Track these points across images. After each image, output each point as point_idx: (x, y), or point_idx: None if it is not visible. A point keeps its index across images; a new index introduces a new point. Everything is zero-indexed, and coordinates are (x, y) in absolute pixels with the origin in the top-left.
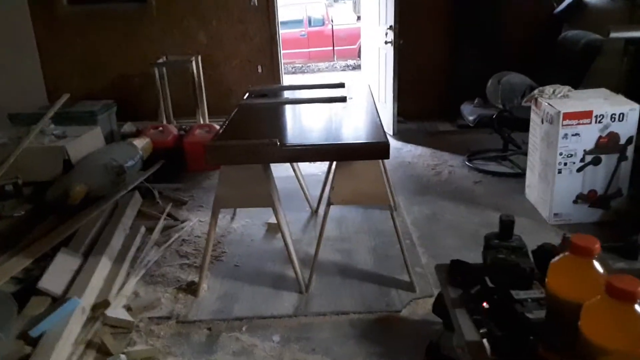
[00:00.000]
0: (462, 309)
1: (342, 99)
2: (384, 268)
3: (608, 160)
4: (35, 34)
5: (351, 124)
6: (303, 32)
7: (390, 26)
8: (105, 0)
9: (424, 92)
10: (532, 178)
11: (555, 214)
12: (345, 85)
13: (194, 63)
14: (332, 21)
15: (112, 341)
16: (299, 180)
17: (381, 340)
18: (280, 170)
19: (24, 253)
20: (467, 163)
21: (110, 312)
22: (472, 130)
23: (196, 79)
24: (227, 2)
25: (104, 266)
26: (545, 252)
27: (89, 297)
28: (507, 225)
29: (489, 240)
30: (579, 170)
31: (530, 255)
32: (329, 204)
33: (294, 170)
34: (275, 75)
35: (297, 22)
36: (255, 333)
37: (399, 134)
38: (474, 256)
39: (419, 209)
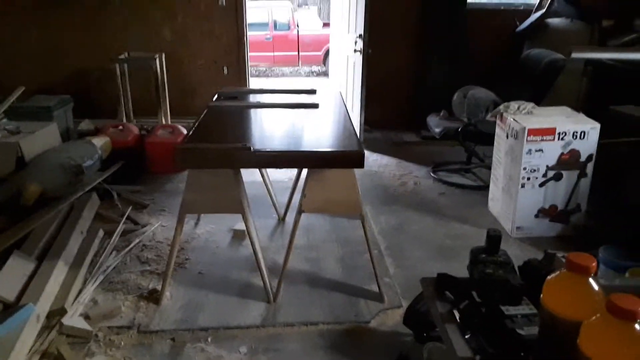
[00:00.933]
0: (453, 324)
1: (315, 105)
2: (352, 278)
3: (569, 177)
4: None
5: (325, 131)
6: (268, 36)
7: (360, 35)
8: None
9: (391, 102)
10: (495, 191)
11: (518, 227)
12: (316, 91)
13: (157, 61)
14: (297, 26)
15: (69, 352)
16: (267, 187)
17: (351, 352)
18: (246, 176)
19: None
20: (432, 174)
21: (67, 321)
22: (436, 141)
23: (159, 77)
24: None
25: (60, 271)
26: (531, 268)
27: (44, 304)
28: (494, 240)
29: (476, 255)
30: (541, 185)
31: (517, 270)
32: (299, 211)
33: (263, 176)
34: (242, 78)
35: (263, 25)
36: (222, 344)
37: (365, 143)
38: (441, 267)
39: (386, 219)
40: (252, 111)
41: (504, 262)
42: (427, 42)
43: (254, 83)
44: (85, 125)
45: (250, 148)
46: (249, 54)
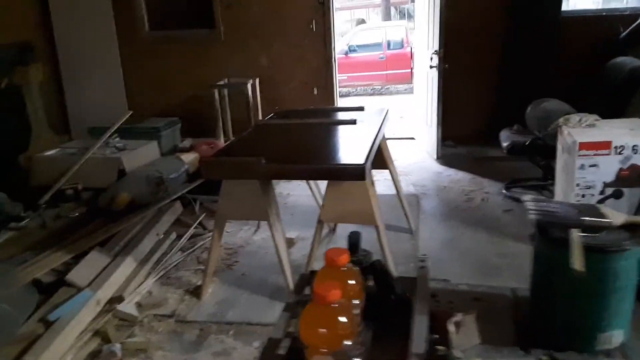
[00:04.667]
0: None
1: (352, 122)
2: None
3: (631, 195)
4: (121, 54)
5: (344, 146)
6: (382, 55)
7: (435, 51)
8: (181, 27)
9: (476, 117)
10: None
11: None
12: (364, 109)
13: (249, 86)
14: (411, 44)
15: (114, 332)
16: (315, 197)
17: None
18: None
19: (67, 249)
20: (503, 191)
21: (121, 307)
22: (522, 157)
23: (251, 100)
24: (287, 27)
25: (128, 265)
26: (378, 270)
27: (107, 291)
28: (351, 240)
29: None
30: (599, 203)
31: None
32: (319, 221)
33: (310, 187)
34: (330, 97)
35: (376, 46)
36: (240, 337)
37: (443, 158)
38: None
39: (438, 234)
40: (291, 128)
41: (358, 262)
42: (513, 54)
43: (346, 101)
44: (186, 143)
45: (260, 161)
46: (362, 74)
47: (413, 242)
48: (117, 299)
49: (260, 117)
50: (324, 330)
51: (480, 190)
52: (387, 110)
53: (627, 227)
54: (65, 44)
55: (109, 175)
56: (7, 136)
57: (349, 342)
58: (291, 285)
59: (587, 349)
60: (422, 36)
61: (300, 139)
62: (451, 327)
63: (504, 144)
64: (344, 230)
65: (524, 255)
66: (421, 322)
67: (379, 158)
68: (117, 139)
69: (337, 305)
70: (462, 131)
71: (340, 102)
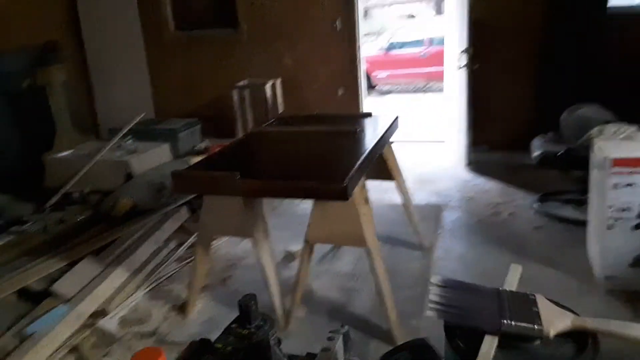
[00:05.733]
0: None
1: (351, 132)
2: (378, 315)
3: None
4: (147, 54)
5: (333, 160)
6: (423, 52)
7: (464, 49)
8: (205, 27)
9: (512, 120)
10: (590, 231)
11: (608, 277)
12: (371, 115)
13: (268, 87)
14: None
15: (89, 349)
16: None
17: None
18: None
19: (62, 256)
20: (534, 205)
21: (102, 322)
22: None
23: (269, 101)
24: (312, 26)
25: (118, 276)
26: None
27: (90, 304)
28: (242, 309)
29: (230, 323)
30: (637, 227)
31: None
32: (305, 241)
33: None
34: (354, 98)
35: (418, 42)
36: None
37: (473, 165)
38: None
39: (455, 252)
40: (284, 138)
41: (246, 337)
42: (552, 53)
43: (387, 100)
44: (204, 144)
45: (234, 177)
46: (403, 71)
47: (424, 261)
48: (100, 312)
49: None
50: None
51: (509, 203)
52: (396, 118)
53: (572, 335)
54: (93, 44)
55: (116, 179)
56: (31, 136)
57: None
58: (278, 310)
59: None
60: (451, 33)
61: (288, 151)
62: None
63: (535, 154)
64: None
65: (550, 282)
66: None
67: (384, 168)
68: (130, 141)
69: None
70: (498, 135)
71: (375, 102)
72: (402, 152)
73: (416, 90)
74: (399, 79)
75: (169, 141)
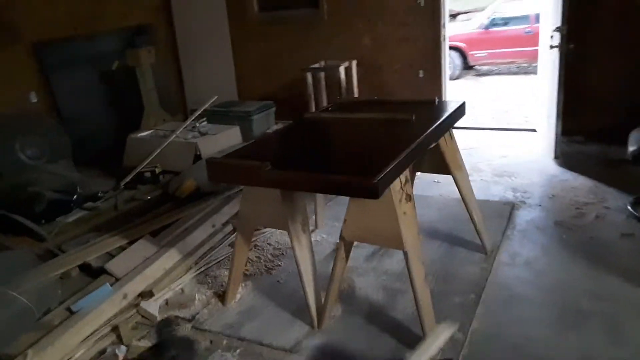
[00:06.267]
0: None
1: (405, 121)
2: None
3: None
4: (231, 37)
5: (375, 152)
6: (528, 29)
7: (557, 27)
8: (287, 7)
9: (614, 108)
10: None
11: None
12: (435, 101)
13: (342, 69)
14: None
15: (127, 331)
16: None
17: None
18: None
19: (125, 234)
20: (628, 207)
21: (145, 304)
22: None
23: (343, 84)
24: (393, 2)
25: (170, 258)
26: None
27: (138, 284)
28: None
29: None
30: None
31: None
32: (341, 237)
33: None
34: (437, 81)
35: (522, 19)
36: (244, 359)
37: (563, 158)
38: (543, 337)
39: (522, 258)
40: (333, 125)
41: None
42: None
43: (485, 81)
44: (275, 127)
45: (265, 167)
46: (505, 50)
47: (484, 265)
48: (147, 294)
49: None
50: None
51: (598, 204)
52: (462, 104)
53: None
54: (183, 27)
55: (186, 160)
56: (122, 115)
57: None
58: (312, 307)
59: None
60: (546, 8)
61: (333, 140)
62: None
63: (631, 149)
64: None
65: (627, 302)
66: None
67: (440, 162)
68: (205, 122)
69: None
70: (596, 125)
71: (467, 85)
72: (485, 141)
73: (518, 72)
74: (499, 59)
75: (243, 124)
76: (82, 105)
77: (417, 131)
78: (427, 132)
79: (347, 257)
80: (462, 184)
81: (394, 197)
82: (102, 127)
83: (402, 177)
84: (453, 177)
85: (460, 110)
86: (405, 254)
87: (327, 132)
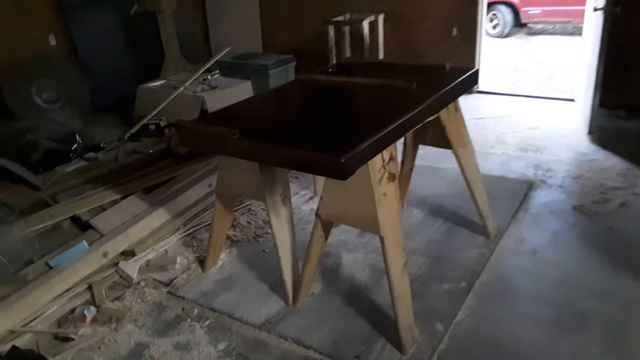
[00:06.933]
0: None
1: (405, 89)
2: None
3: None
4: None
5: (360, 125)
6: None
7: None
8: None
9: None
10: None
11: None
12: (446, 67)
13: (365, 23)
14: None
15: (100, 291)
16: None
17: None
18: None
19: (118, 189)
20: None
21: (124, 264)
22: None
23: (366, 40)
24: None
25: (157, 217)
26: None
27: (120, 243)
28: None
29: None
30: None
31: None
32: (316, 215)
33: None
34: (471, 40)
35: None
36: (212, 331)
37: (598, 134)
38: (532, 340)
39: (528, 246)
40: (328, 89)
41: None
42: None
43: (537, 41)
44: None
45: (233, 135)
46: (559, 8)
47: (484, 251)
48: (130, 252)
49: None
50: None
51: (627, 189)
52: (474, 72)
53: None
54: None
55: (192, 114)
56: (140, 62)
57: None
58: (289, 287)
59: None
60: None
61: (320, 108)
62: None
63: None
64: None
65: (637, 308)
66: None
67: (441, 135)
68: (217, 75)
69: None
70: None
71: (513, 45)
72: (518, 109)
73: (574, 32)
74: (554, 17)
75: (259, 78)
76: (101, 50)
77: (412, 102)
78: (423, 104)
79: (326, 235)
80: (464, 162)
81: (372, 176)
82: (121, 75)
83: (385, 153)
84: (455, 154)
85: (469, 79)
86: (382, 239)
87: (315, 97)
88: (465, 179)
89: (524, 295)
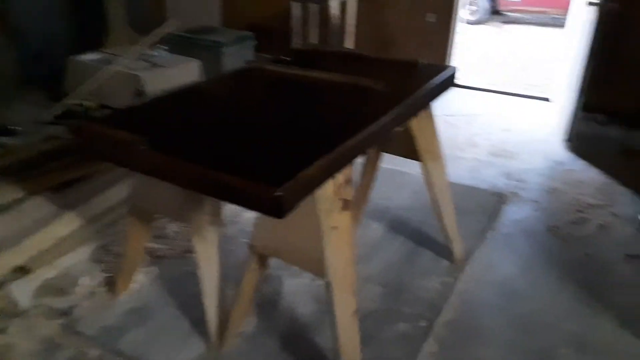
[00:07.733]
0: None
1: (368, 89)
2: None
3: None
4: None
5: (309, 139)
6: None
7: None
8: None
9: None
10: None
11: None
12: (418, 64)
13: (333, 2)
14: None
15: None
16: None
17: None
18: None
19: (22, 185)
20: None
21: (16, 286)
22: None
23: (333, 22)
24: None
25: (66, 224)
26: None
27: (13, 257)
28: None
29: None
30: None
31: None
32: (249, 246)
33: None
34: (446, 27)
35: None
36: None
37: (577, 142)
38: None
39: (498, 274)
40: (279, 85)
41: None
42: None
43: (513, 30)
44: (249, 63)
45: (140, 144)
46: None
47: (447, 279)
48: (22, 269)
49: (352, 45)
50: None
51: (605, 208)
52: (452, 72)
53: None
54: None
55: (126, 95)
56: (80, 32)
57: None
58: (213, 327)
59: None
60: None
61: (264, 110)
62: None
63: None
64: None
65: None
66: None
67: (408, 145)
68: (162, 52)
69: None
70: (624, 103)
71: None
72: (491, 106)
73: (550, 24)
74: (531, 6)
75: (211, 56)
76: (38, 14)
77: (379, 108)
78: (392, 112)
79: (263, 266)
80: (434, 178)
81: (320, 206)
82: (59, 43)
83: (340, 176)
84: (424, 168)
85: (447, 82)
86: (327, 284)
87: (261, 96)
88: (432, 196)
89: (491, 339)
